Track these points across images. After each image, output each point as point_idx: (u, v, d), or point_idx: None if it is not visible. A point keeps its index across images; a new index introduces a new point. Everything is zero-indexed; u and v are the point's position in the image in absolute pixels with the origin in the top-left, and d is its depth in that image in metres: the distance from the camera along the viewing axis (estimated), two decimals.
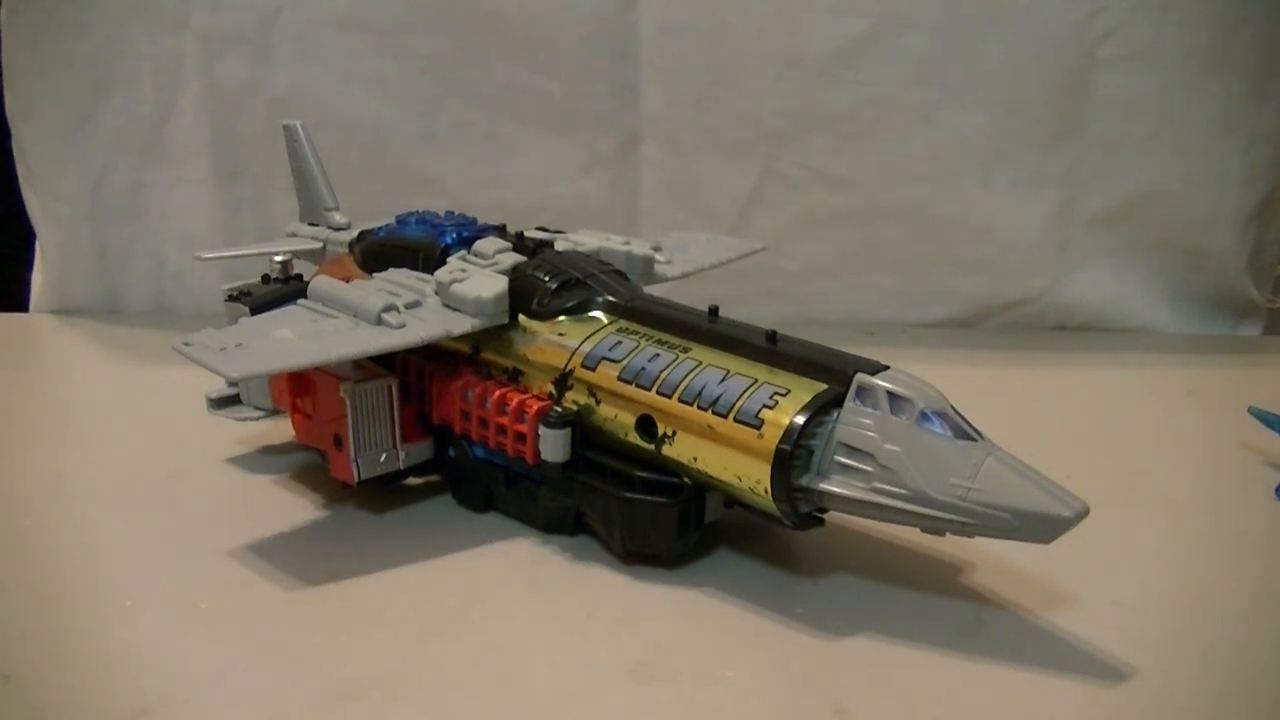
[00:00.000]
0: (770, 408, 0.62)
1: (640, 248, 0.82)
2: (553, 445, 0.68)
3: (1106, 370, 1.12)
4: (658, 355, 0.68)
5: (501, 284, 0.73)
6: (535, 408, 0.69)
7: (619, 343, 0.69)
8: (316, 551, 0.70)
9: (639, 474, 0.67)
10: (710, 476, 0.65)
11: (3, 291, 1.50)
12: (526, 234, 0.81)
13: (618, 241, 0.83)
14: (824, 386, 0.62)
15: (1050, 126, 1.16)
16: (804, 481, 0.61)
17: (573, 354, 0.70)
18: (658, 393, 0.66)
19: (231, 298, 0.82)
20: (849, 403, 0.61)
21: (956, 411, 0.60)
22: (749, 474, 0.62)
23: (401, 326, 0.70)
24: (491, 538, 0.72)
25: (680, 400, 0.65)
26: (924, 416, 0.59)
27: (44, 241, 1.23)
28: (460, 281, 0.73)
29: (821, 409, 0.61)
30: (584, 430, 0.69)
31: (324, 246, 0.92)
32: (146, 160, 1.18)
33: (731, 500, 0.67)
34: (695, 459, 0.65)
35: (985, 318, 1.24)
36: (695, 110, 1.16)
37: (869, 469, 0.60)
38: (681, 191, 1.20)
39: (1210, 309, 1.23)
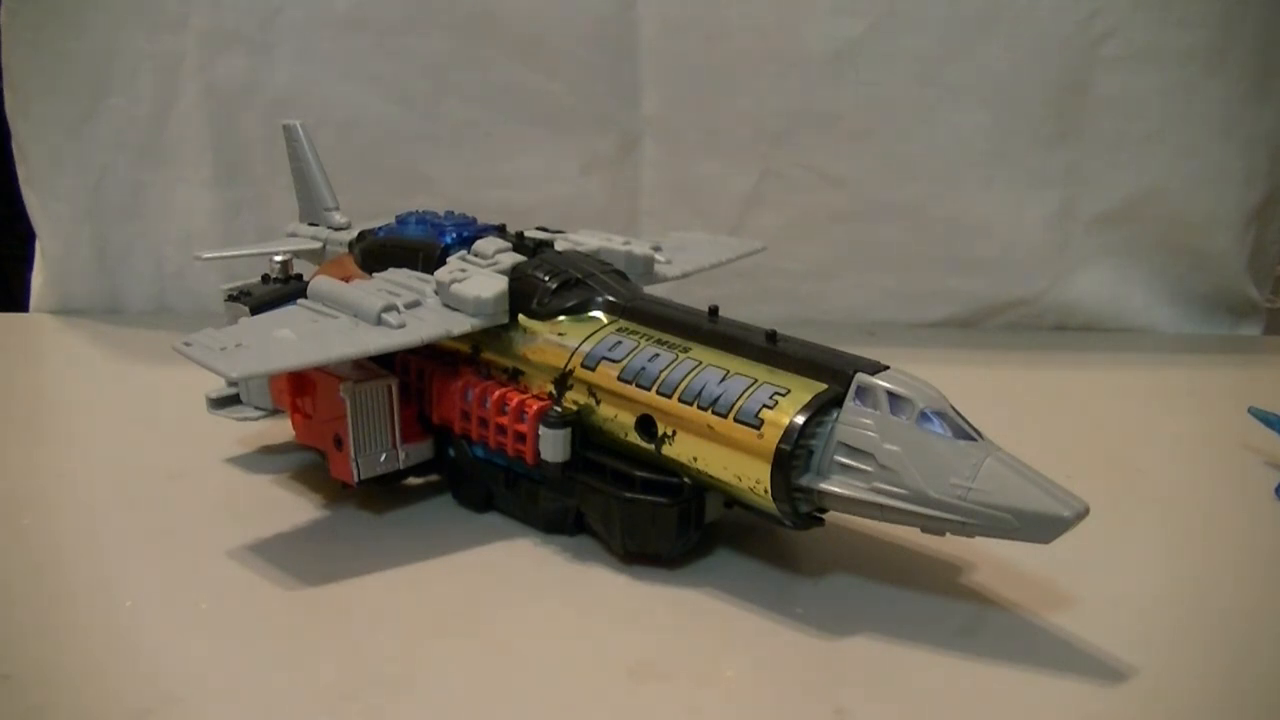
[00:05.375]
0: (770, 408, 0.62)
1: (640, 248, 0.82)
2: (553, 445, 0.68)
3: (1106, 370, 1.12)
4: (658, 355, 0.68)
5: (501, 284, 0.73)
6: (535, 408, 0.69)
7: (619, 343, 0.69)
8: (316, 551, 0.70)
9: (639, 474, 0.67)
10: (710, 476, 0.65)
11: (3, 291, 1.50)
12: (526, 234, 0.81)
13: (618, 241, 0.83)
14: (824, 386, 0.62)
15: (1050, 126, 1.16)
16: (804, 481, 0.61)
17: (573, 354, 0.70)
18: (658, 393, 0.66)
19: (231, 298, 0.82)
20: (849, 403, 0.61)
21: (956, 411, 0.60)
22: (749, 474, 0.62)
23: (401, 326, 0.70)
24: (491, 538, 0.72)
25: (680, 400, 0.65)
26: (924, 416, 0.59)
27: (44, 241, 1.23)
28: (460, 281, 0.73)
29: (821, 409, 0.61)
30: (584, 430, 0.69)
31: (324, 246, 0.92)
32: (146, 160, 1.18)
33: (731, 500, 0.67)
34: (695, 459, 0.65)
35: (985, 318, 1.24)
36: (695, 110, 1.16)
37: (869, 469, 0.60)
38: (681, 191, 1.20)
39: (1210, 309, 1.24)
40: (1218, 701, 0.58)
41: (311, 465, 0.80)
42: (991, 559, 0.68)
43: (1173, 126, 1.15)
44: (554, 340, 0.72)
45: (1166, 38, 1.12)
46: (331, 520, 0.75)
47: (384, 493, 0.76)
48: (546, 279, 0.73)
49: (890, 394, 0.60)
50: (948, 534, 0.60)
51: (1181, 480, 0.85)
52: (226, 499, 0.78)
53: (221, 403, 0.82)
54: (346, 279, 0.77)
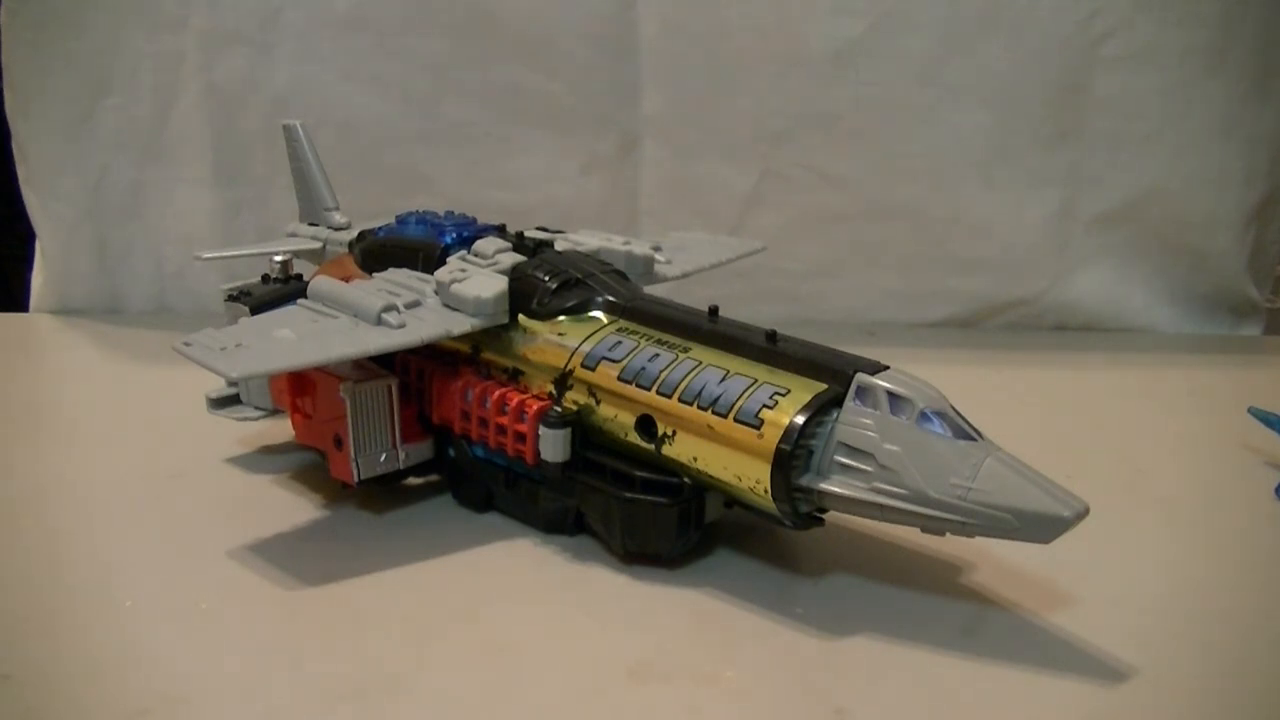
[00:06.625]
0: (770, 407, 0.62)
1: (640, 248, 0.82)
2: (553, 445, 0.68)
3: (1106, 370, 1.12)
4: (658, 355, 0.68)
5: (501, 284, 0.73)
6: (535, 408, 0.69)
7: (619, 343, 0.69)
8: (316, 551, 0.70)
9: (639, 474, 0.67)
10: (710, 476, 0.65)
11: (3, 291, 1.50)
12: (526, 234, 0.81)
13: (618, 241, 0.83)
14: (824, 386, 0.62)
15: (1050, 126, 1.16)
16: (804, 481, 0.61)
17: (573, 354, 0.70)
18: (658, 393, 0.66)
19: (231, 298, 0.82)
20: (849, 403, 0.61)
21: (956, 411, 0.60)
22: (749, 474, 0.62)
23: (401, 326, 0.70)
24: (491, 538, 0.72)
25: (680, 400, 0.65)
26: (924, 416, 0.59)
27: (44, 241, 1.23)
28: (460, 281, 0.73)
29: (821, 409, 0.61)
30: (584, 430, 0.69)
31: (324, 246, 0.92)
32: (146, 160, 1.18)
33: (731, 500, 0.67)
34: (695, 459, 0.65)
35: (985, 318, 1.24)
36: (695, 110, 1.16)
37: (869, 469, 0.60)
38: (681, 191, 1.20)
39: (1210, 309, 1.24)
40: (1218, 701, 0.58)
41: (311, 465, 0.80)
42: (991, 559, 0.68)
43: (1173, 126, 1.15)
44: (554, 340, 0.72)
45: (1166, 38, 1.12)
46: (331, 520, 0.75)
47: (384, 493, 0.76)
48: (546, 279, 0.73)
49: (890, 394, 0.60)
50: (948, 534, 0.60)
51: (1181, 480, 0.85)
52: (226, 499, 0.77)
53: (221, 403, 0.82)
54: (346, 279, 0.77)
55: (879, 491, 0.59)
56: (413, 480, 0.78)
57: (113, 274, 1.22)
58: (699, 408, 0.64)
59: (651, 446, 0.66)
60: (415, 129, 1.16)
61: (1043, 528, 0.57)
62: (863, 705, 0.56)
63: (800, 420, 0.61)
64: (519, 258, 0.76)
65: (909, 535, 0.65)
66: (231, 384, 0.81)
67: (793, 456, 0.60)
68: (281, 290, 0.82)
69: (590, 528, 0.71)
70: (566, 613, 0.64)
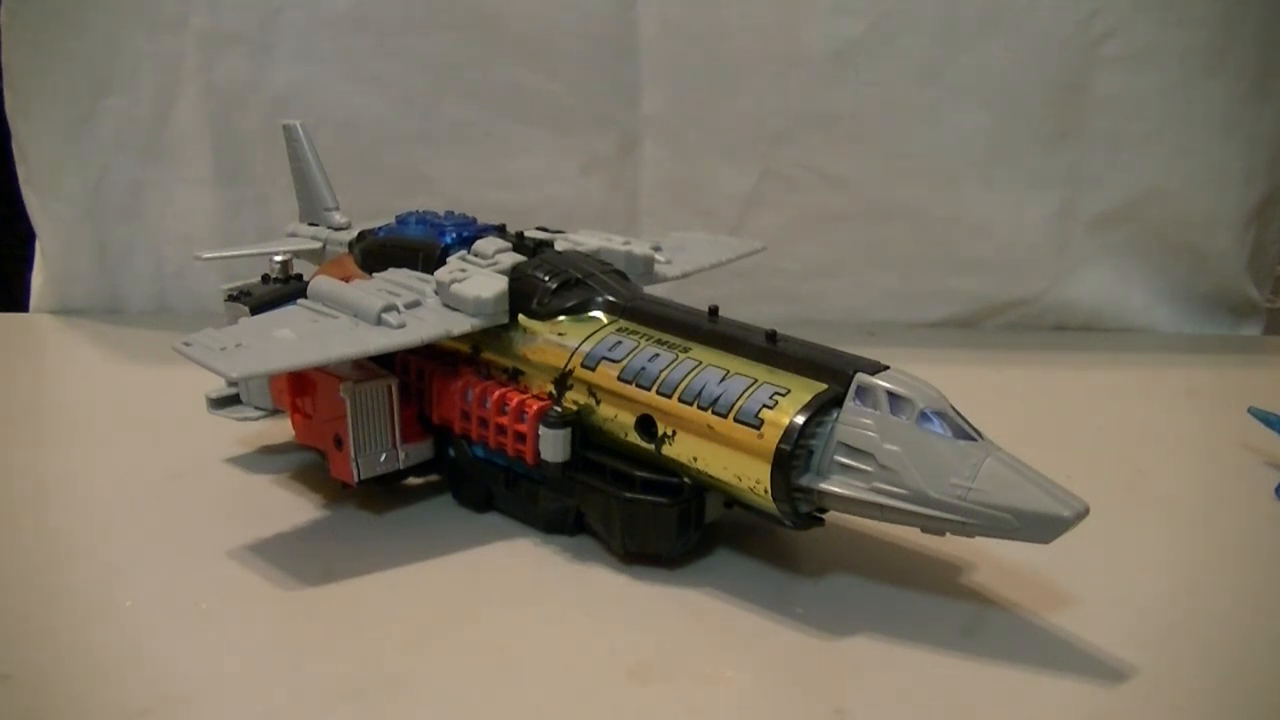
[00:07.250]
0: (770, 407, 0.62)
1: (640, 248, 0.82)
2: (553, 445, 0.68)
3: (1106, 370, 1.12)
4: (658, 355, 0.68)
5: (501, 284, 0.73)
6: (535, 408, 0.69)
7: (619, 343, 0.69)
8: (316, 551, 0.70)
9: (639, 474, 0.67)
10: (710, 476, 0.65)
11: (3, 291, 1.50)
12: (526, 234, 0.81)
13: (618, 241, 0.83)
14: (824, 386, 0.62)
15: (1050, 126, 1.16)
16: (804, 481, 0.61)
17: (573, 354, 0.70)
18: (658, 393, 0.66)
19: (231, 298, 0.82)
20: (849, 403, 0.61)
21: (956, 411, 0.60)
22: (749, 474, 0.62)
23: (401, 326, 0.70)
24: (491, 538, 0.72)
25: (680, 400, 0.65)
26: (924, 416, 0.59)
27: (44, 241, 1.23)
28: (460, 281, 0.73)
29: (821, 409, 0.61)
30: (584, 430, 0.69)
31: (324, 246, 0.92)
32: (146, 160, 1.18)
33: (731, 500, 0.67)
34: (695, 459, 0.65)
35: (985, 318, 1.24)
36: (695, 110, 1.16)
37: (869, 469, 0.60)
38: (681, 191, 1.20)
39: (1210, 309, 1.24)
40: (1218, 701, 0.58)
41: (311, 465, 0.80)
42: (991, 559, 0.68)
43: (1173, 126, 1.15)
44: (554, 340, 0.72)
45: (1166, 38, 1.12)
46: (331, 520, 0.75)
47: (384, 493, 0.76)
48: (546, 279, 0.73)
49: (890, 394, 0.60)
50: (948, 534, 0.60)
51: (1181, 480, 0.85)
52: (226, 499, 0.78)
53: (221, 403, 0.82)
54: (346, 279, 0.77)
55: (879, 491, 0.59)
56: (413, 480, 0.78)
57: (113, 274, 1.22)
58: (699, 408, 0.64)
59: (651, 446, 0.66)
60: (415, 129, 1.16)
61: (1043, 528, 0.57)
62: (863, 705, 0.56)
63: (800, 420, 0.61)
64: (519, 258, 0.76)
65: (909, 535, 0.65)
66: (231, 384, 0.81)
67: (793, 456, 0.60)
68: (281, 290, 0.82)
69: (590, 528, 0.71)
70: (566, 613, 0.65)
